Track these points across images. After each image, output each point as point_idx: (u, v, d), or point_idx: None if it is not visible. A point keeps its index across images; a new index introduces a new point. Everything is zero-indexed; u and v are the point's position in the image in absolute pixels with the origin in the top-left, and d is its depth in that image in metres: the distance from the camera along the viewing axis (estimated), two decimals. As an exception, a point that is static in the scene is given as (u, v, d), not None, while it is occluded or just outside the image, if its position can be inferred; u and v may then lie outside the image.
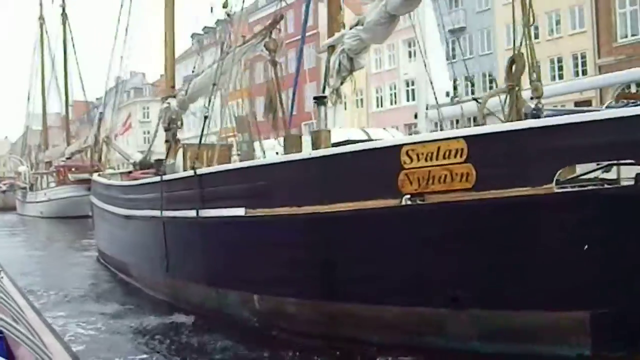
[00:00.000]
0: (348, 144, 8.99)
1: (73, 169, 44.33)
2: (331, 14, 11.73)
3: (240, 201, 9.11)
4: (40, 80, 56.00)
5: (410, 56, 45.81)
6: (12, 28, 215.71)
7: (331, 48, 11.38)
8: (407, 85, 45.45)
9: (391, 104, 48.63)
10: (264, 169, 8.95)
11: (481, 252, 6.96)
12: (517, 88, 7.13)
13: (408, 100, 44.97)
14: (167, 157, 13.61)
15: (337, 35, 11.11)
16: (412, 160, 7.13)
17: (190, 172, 10.37)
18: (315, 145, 8.72)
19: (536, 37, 41.61)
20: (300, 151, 9.05)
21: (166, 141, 17.82)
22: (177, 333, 10.19)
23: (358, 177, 7.59)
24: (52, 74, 52.59)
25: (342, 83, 11.15)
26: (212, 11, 20.45)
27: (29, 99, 58.39)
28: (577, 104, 35.46)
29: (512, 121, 7.08)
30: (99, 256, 19.78)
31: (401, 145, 7.22)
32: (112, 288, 14.54)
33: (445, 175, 6.96)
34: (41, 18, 55.05)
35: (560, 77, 39.91)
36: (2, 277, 5.45)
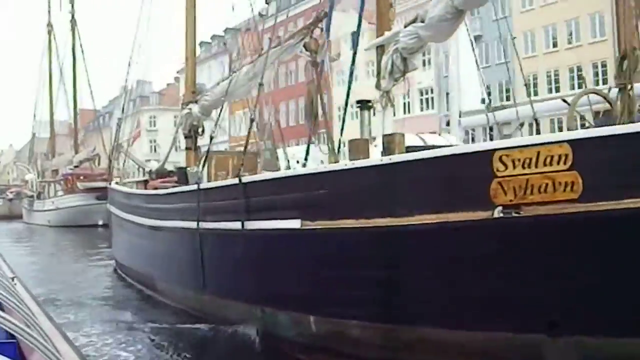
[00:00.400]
0: (410, 150, 8.19)
1: (81, 177, 43.63)
2: (380, 11, 10.88)
3: (295, 212, 8.26)
4: (48, 88, 55.32)
5: (424, 65, 45.00)
6: (20, 35, 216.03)
7: (380, 48, 10.59)
8: (421, 95, 44.60)
9: (404, 113, 47.71)
10: (324, 176, 8.07)
11: (587, 272, 6.12)
12: (629, 87, 6.30)
13: (422, 109, 44.19)
14: (202, 166, 12.70)
15: (389, 33, 10.27)
16: (506, 167, 6.29)
17: (234, 180, 9.54)
18: (388, 151, 7.86)
19: (554, 45, 41.31)
20: (368, 157, 8.20)
21: (187, 148, 17.07)
22: (216, 354, 9.41)
23: (441, 186, 6.75)
24: (60, 81, 51.89)
25: (393, 85, 10.38)
26: (233, 10, 19.85)
27: (36, 106, 57.72)
28: (597, 113, 34.77)
29: (624, 123, 6.25)
30: (117, 267, 18.95)
31: (494, 150, 6.38)
32: (138, 303, 13.67)
33: (546, 184, 6.12)
34: (49, 25, 54.42)
35: (580, 86, 39.10)
36: (15, 284, 5.40)
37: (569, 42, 40.34)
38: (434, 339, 6.95)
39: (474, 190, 6.49)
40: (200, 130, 16.84)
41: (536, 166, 6.15)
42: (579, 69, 39.74)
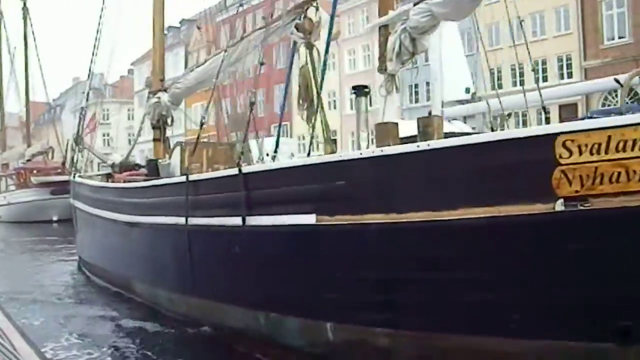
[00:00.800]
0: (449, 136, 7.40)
1: (35, 172, 41.72)
2: (384, -11, 10.01)
3: (309, 206, 7.35)
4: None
5: (389, 56, 44.24)
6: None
7: (384, 29, 9.73)
8: (385, 86, 43.80)
9: (370, 105, 47.07)
10: (345, 165, 7.15)
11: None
12: None
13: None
14: (192, 155, 11.74)
15: (395, 12, 9.42)
16: (571, 153, 5.51)
17: (233, 171, 8.59)
18: (425, 136, 6.99)
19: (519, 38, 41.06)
20: (398, 143, 7.33)
21: (154, 139, 16.11)
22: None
23: (492, 175, 5.93)
24: (11, 72, 49.89)
25: (400, 68, 9.56)
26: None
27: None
28: (562, 107, 34.68)
29: None
30: (82, 265, 17.77)
31: (557, 134, 5.58)
32: (112, 305, 12.47)
33: (619, 173, 5.36)
34: (-1, 12, 52.23)
35: (545, 79, 38.96)
36: None
37: (534, 35, 40.09)
38: (480, 349, 6.14)
39: (533, 180, 5.69)
40: (169, 120, 15.91)
41: (606, 152, 5.38)
42: (544, 62, 39.56)
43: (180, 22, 64.26)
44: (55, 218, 39.05)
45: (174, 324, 10.10)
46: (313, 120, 10.97)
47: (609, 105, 33.56)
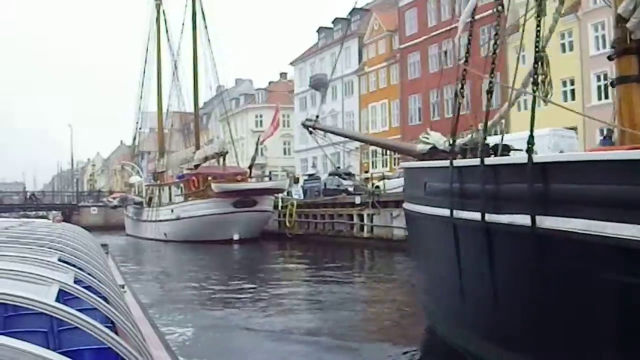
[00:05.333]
0: None
1: (210, 178, 33.69)
2: None
3: None
4: (156, 76, 46.81)
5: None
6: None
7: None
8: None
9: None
10: None
11: None
12: None
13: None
14: None
15: None
16: None
17: None
18: None
19: None
20: None
21: (620, 79, 7.46)
22: None
23: None
24: (172, 66, 43.16)
25: None
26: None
27: (141, 97, 49.07)
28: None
29: None
30: (437, 330, 9.35)
31: None
32: None
33: None
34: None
35: None
36: (125, 291, 5.47)
37: None
38: None
39: None
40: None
41: None
42: None
43: (350, 12, 55.83)
44: (236, 237, 31.27)
45: None
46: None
47: None
